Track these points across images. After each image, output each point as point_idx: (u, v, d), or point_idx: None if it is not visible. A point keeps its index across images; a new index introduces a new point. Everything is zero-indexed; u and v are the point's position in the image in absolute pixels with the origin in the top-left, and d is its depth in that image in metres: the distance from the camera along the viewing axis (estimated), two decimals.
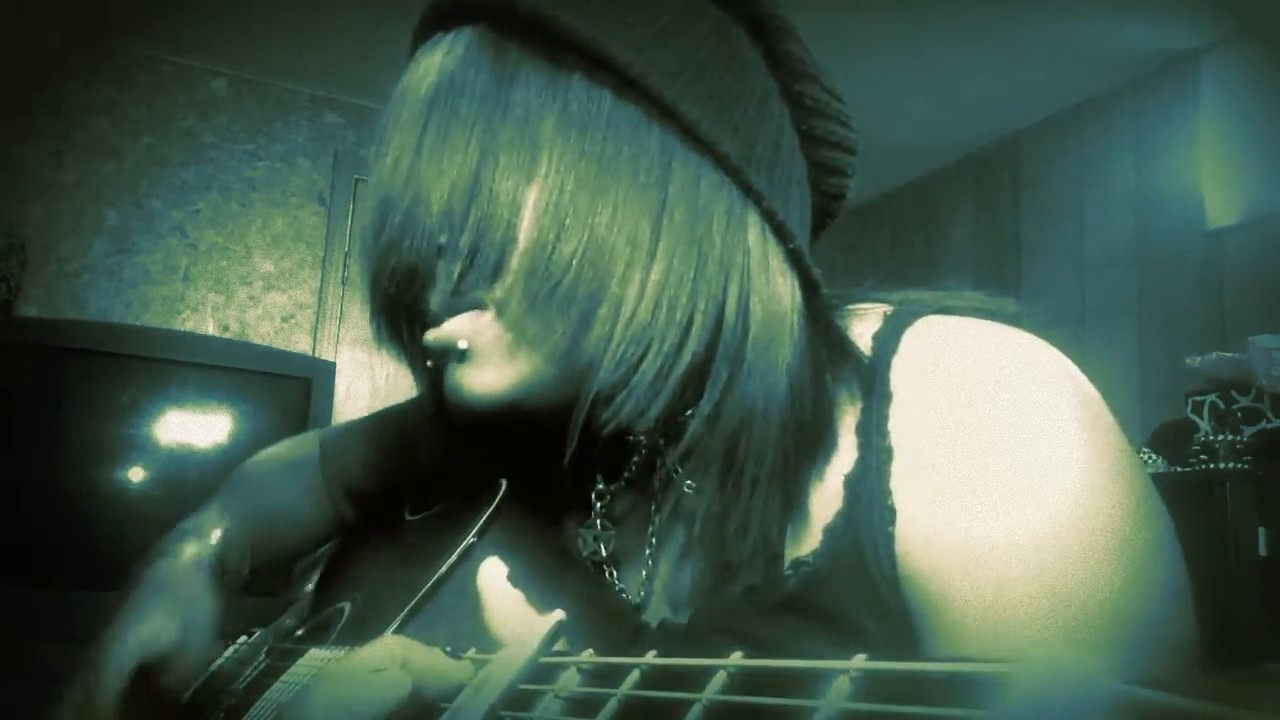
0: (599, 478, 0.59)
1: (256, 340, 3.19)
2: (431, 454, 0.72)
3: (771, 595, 0.51)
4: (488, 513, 0.58)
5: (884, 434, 0.51)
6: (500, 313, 0.50)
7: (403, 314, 0.54)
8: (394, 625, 0.54)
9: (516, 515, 0.59)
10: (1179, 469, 2.14)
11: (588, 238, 0.48)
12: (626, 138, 0.50)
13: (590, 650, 0.34)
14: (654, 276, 0.49)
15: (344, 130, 3.43)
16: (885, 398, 0.52)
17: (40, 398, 2.01)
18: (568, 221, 0.48)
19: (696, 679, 0.28)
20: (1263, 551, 1.98)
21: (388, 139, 0.53)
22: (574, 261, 0.48)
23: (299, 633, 0.74)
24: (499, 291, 0.50)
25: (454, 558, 0.56)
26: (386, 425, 0.85)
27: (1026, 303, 0.56)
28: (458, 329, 0.51)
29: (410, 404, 0.84)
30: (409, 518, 0.70)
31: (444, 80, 0.52)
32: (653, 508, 0.58)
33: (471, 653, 0.40)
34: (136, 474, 2.07)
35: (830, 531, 0.51)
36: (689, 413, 0.52)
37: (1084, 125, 3.13)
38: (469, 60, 0.52)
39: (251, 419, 2.17)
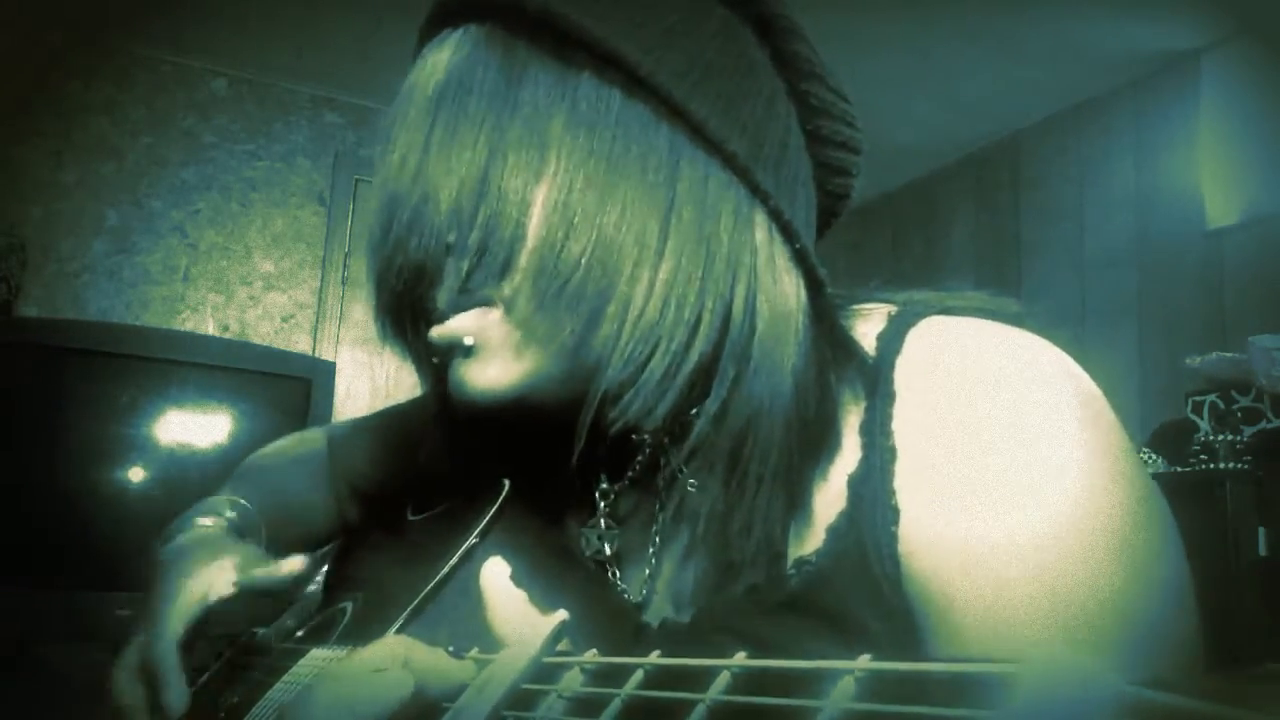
0: (603, 476, 0.59)
1: (256, 340, 3.19)
2: (433, 453, 0.72)
3: (774, 594, 0.51)
4: (490, 513, 0.58)
5: (888, 434, 0.51)
6: (508, 310, 0.50)
7: (408, 312, 0.54)
8: (396, 625, 0.54)
9: (519, 515, 0.59)
10: (1179, 469, 2.14)
11: (596, 236, 0.48)
12: (635, 136, 0.50)
13: (594, 650, 0.34)
14: (662, 275, 0.49)
15: (344, 130, 3.42)
16: (889, 397, 0.51)
17: (40, 398, 2.00)
18: (576, 220, 0.48)
19: (700, 679, 0.28)
20: (1263, 551, 1.98)
21: (395, 136, 0.52)
22: (583, 260, 0.48)
23: (300, 633, 0.74)
24: (507, 289, 0.50)
25: (456, 558, 0.56)
26: (391, 423, 0.85)
27: (1027, 303, 0.56)
28: (464, 325, 0.51)
29: (413, 403, 0.84)
30: (411, 517, 0.70)
31: (452, 78, 0.51)
32: (657, 507, 0.58)
33: (474, 652, 0.40)
34: (136, 474, 2.07)
35: (833, 531, 0.51)
36: (694, 411, 0.52)
37: (1084, 125, 3.12)
38: (477, 58, 0.51)
39: (251, 419, 2.17)
